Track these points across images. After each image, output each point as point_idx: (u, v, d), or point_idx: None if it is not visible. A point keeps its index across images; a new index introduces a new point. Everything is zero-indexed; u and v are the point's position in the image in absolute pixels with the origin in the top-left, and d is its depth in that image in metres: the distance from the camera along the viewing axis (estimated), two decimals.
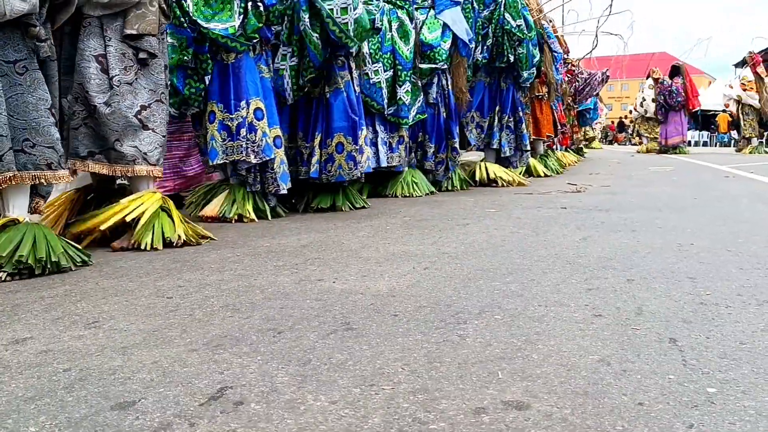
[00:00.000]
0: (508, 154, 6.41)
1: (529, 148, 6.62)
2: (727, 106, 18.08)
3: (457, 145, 5.65)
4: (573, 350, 1.35)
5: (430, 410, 1.06)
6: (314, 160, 4.12)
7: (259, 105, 3.65)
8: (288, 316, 1.65)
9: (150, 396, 1.14)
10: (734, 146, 17.59)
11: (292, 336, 1.48)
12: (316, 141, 4.14)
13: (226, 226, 3.46)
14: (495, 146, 6.31)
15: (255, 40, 3.66)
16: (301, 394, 1.14)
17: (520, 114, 6.43)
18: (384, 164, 4.90)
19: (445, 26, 5.33)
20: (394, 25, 4.94)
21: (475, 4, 5.89)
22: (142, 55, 2.79)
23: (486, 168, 6.18)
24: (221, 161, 3.63)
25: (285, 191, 3.81)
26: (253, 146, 3.60)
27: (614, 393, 1.12)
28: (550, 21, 9.07)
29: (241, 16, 3.53)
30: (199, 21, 3.41)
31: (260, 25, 3.61)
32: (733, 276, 2.05)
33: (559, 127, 9.12)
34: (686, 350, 1.34)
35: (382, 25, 4.55)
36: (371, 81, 4.80)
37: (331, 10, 3.89)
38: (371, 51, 4.77)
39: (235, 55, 3.59)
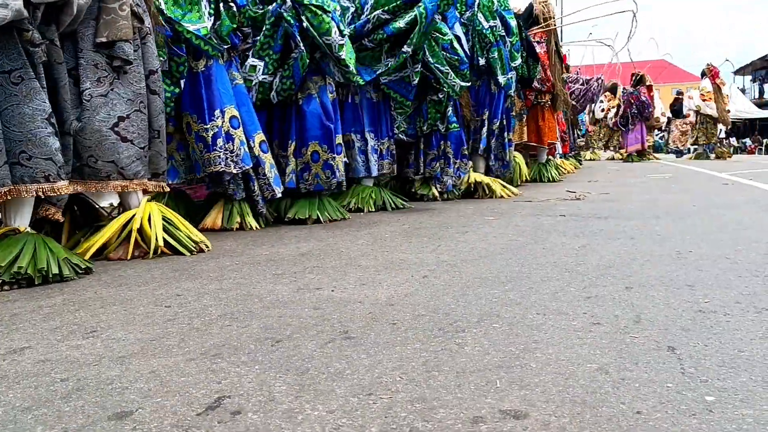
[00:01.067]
0: (493, 162, 6.22)
1: (509, 158, 6.38)
2: (687, 115, 19.09)
3: (467, 152, 5.61)
4: (571, 358, 1.35)
5: (428, 419, 1.06)
6: (289, 169, 4.02)
7: (234, 113, 3.54)
8: (286, 325, 1.65)
9: (147, 406, 1.14)
10: (688, 153, 18.69)
11: (290, 345, 1.48)
12: (290, 150, 4.04)
13: (224, 235, 3.46)
14: (481, 152, 6.09)
15: (227, 46, 3.55)
16: (299, 403, 1.14)
17: (504, 121, 6.27)
18: (374, 172, 4.74)
19: (457, 39, 5.18)
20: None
21: (457, 9, 5.71)
22: (116, 63, 2.67)
23: (477, 179, 5.91)
24: (204, 173, 3.53)
25: (280, 195, 3.77)
26: (232, 156, 3.49)
27: (612, 402, 1.12)
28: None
29: (212, 18, 3.40)
30: (174, 19, 3.27)
31: (234, 26, 3.52)
32: (732, 284, 2.05)
33: (559, 135, 9.13)
34: (684, 358, 1.34)
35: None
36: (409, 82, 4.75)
37: (335, 48, 3.87)
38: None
39: (204, 63, 3.45)
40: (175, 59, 3.31)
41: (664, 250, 2.69)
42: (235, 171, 3.49)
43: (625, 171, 10.92)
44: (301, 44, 3.84)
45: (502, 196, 5.78)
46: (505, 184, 6.06)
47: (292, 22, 3.82)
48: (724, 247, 2.74)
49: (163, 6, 3.21)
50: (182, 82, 3.38)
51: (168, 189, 3.06)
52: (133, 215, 2.84)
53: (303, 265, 2.52)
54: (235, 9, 3.52)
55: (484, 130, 6.05)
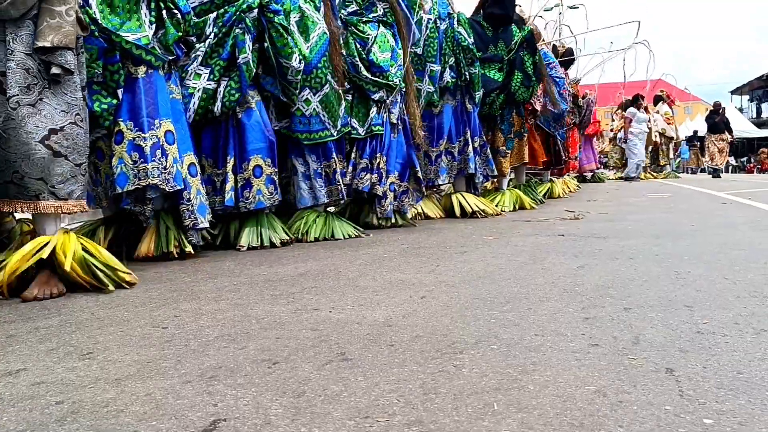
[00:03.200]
0: (481, 180, 5.99)
1: (496, 172, 6.17)
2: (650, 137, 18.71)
3: (420, 176, 4.97)
4: (569, 381, 1.35)
5: None
6: (228, 186, 3.69)
7: (170, 127, 3.22)
8: (283, 347, 1.64)
9: (142, 429, 1.13)
10: (651, 171, 18.38)
11: (287, 367, 1.47)
12: (229, 165, 3.71)
13: (222, 254, 3.46)
14: (471, 171, 5.73)
15: (172, 56, 3.29)
16: (295, 426, 1.13)
17: (483, 138, 6.08)
18: (323, 200, 4.22)
19: (394, 47, 4.70)
20: (294, 17, 3.97)
21: (438, 23, 5.50)
22: (55, 70, 2.40)
23: (463, 198, 5.73)
24: (133, 186, 3.07)
25: (205, 225, 3.36)
26: (165, 173, 3.13)
27: (610, 425, 1.11)
28: (551, 42, 9.10)
29: (153, 26, 3.15)
30: (110, 29, 2.98)
31: (180, 34, 3.27)
32: (730, 304, 2.04)
33: (563, 156, 9.06)
34: (683, 380, 1.34)
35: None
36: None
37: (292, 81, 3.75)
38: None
39: (145, 69, 3.14)
40: (110, 68, 3.03)
41: (662, 271, 2.69)
42: (168, 189, 3.13)
43: (623, 190, 10.94)
44: (250, 51, 3.65)
45: (481, 214, 5.60)
46: (486, 201, 5.92)
47: (251, 28, 3.63)
48: (722, 267, 2.74)
49: (97, 15, 2.95)
50: (119, 92, 3.08)
51: (87, 209, 2.72)
52: (46, 243, 2.45)
53: (301, 285, 2.52)
54: (179, 16, 3.25)
55: (469, 149, 5.71)
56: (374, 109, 4.53)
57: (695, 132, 25.89)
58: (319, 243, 3.97)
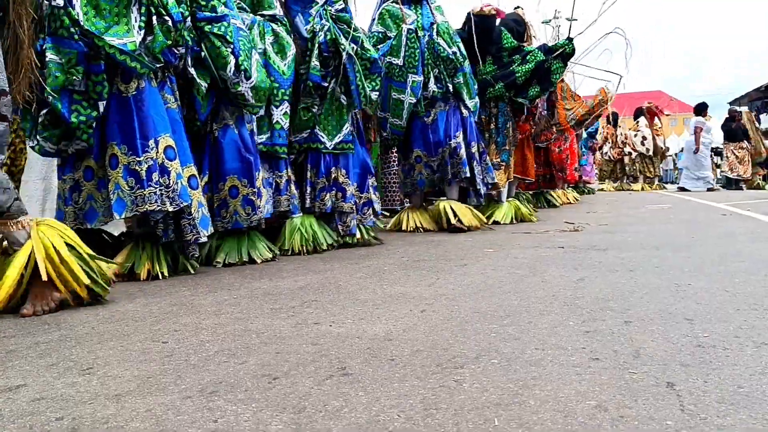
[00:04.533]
0: (481, 187, 5.68)
1: (495, 180, 5.93)
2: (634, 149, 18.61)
3: (375, 183, 4.83)
4: (570, 395, 1.34)
5: None
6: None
7: (169, 142, 3.10)
8: (284, 361, 1.64)
9: None
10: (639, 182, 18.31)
11: (287, 382, 1.47)
12: (201, 184, 3.52)
13: (221, 269, 3.46)
14: (465, 174, 5.47)
15: (160, 64, 3.13)
16: None
17: (483, 145, 5.87)
18: (269, 213, 4.04)
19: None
20: (268, 39, 4.06)
21: (419, 33, 5.40)
22: None
23: (452, 209, 5.48)
24: (131, 213, 3.00)
25: (206, 239, 3.30)
26: (168, 191, 3.05)
27: None
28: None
29: (142, 32, 3.00)
30: (92, 32, 2.84)
31: (169, 42, 3.10)
32: (731, 317, 2.04)
33: (556, 166, 9.07)
34: (684, 395, 1.33)
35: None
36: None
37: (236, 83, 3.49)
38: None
39: (135, 86, 3.02)
40: (93, 77, 2.88)
41: (662, 283, 2.69)
42: (171, 209, 3.05)
43: (622, 201, 10.95)
44: (194, 73, 3.39)
45: (469, 227, 5.41)
46: (476, 212, 5.65)
47: (190, 44, 3.35)
48: (722, 280, 2.74)
49: (80, 17, 2.81)
50: (101, 104, 2.93)
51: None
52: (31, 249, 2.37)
53: (301, 298, 2.52)
54: (170, 24, 3.09)
55: (463, 152, 5.50)
56: (348, 123, 4.42)
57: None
58: (319, 255, 3.96)
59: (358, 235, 4.47)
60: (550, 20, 9.89)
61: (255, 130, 3.86)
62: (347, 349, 1.75)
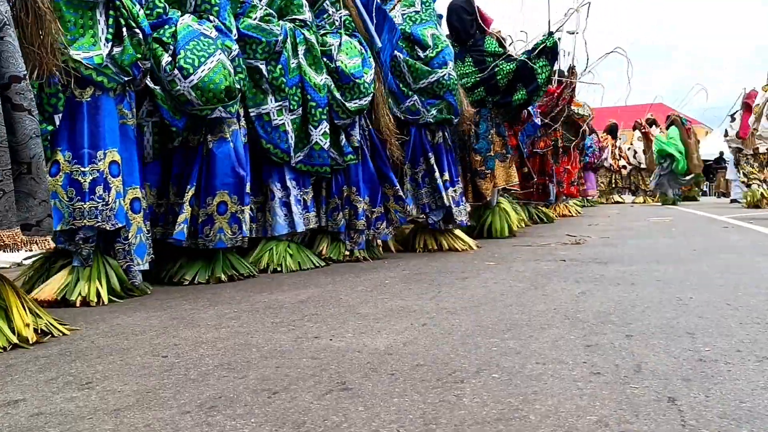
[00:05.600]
0: (455, 212, 4.97)
1: (446, 203, 4.89)
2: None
3: (401, 194, 4.58)
4: (571, 410, 1.34)
5: None
6: (181, 218, 3.34)
7: (115, 158, 2.89)
8: (284, 376, 1.63)
9: None
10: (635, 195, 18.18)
11: (287, 397, 1.46)
12: (187, 196, 3.37)
13: (221, 284, 3.46)
14: (447, 204, 4.93)
15: (128, 77, 2.94)
16: None
17: (431, 162, 4.92)
18: (301, 228, 3.98)
19: (364, 53, 4.35)
20: (300, 49, 3.94)
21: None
22: None
23: (428, 235, 5.08)
24: (67, 226, 2.75)
25: (143, 267, 3.07)
26: (106, 209, 2.82)
27: None
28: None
29: (110, 44, 2.83)
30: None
31: (139, 56, 2.94)
32: (733, 331, 2.04)
33: (553, 177, 8.87)
34: (685, 410, 1.33)
35: (283, 48, 3.84)
36: (273, 123, 3.87)
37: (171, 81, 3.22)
38: (273, 85, 3.86)
39: (91, 92, 2.82)
40: (47, 90, 2.68)
41: (664, 296, 2.68)
42: (108, 227, 2.83)
43: (624, 214, 10.94)
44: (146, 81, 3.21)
45: (450, 249, 4.95)
46: (460, 235, 5.12)
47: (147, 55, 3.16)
48: (724, 293, 2.73)
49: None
50: (57, 117, 2.74)
51: (52, 245, 2.42)
52: None
53: (302, 312, 2.51)
54: (141, 36, 2.94)
55: (436, 176, 4.98)
56: (343, 136, 4.25)
57: (721, 153, 25.38)
58: (321, 268, 3.96)
59: (362, 254, 4.36)
60: (551, 33, 9.83)
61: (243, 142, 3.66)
62: (347, 363, 1.75)
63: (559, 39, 6.04)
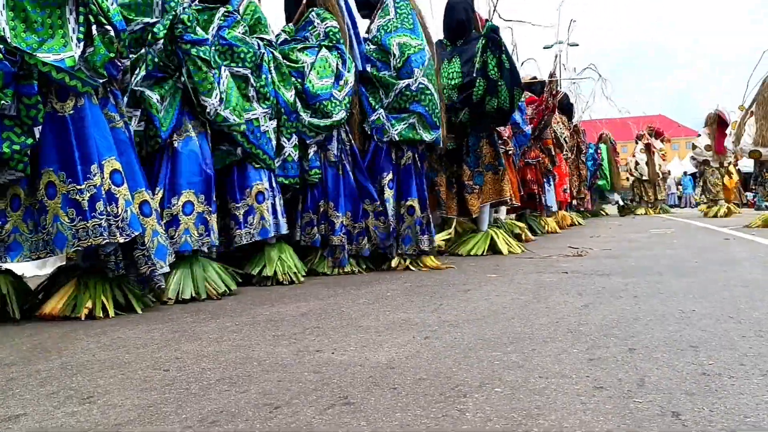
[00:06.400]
0: (419, 240, 4.59)
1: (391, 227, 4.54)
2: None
3: (382, 209, 4.48)
4: (574, 425, 1.33)
5: None
6: None
7: (115, 166, 2.76)
8: (285, 390, 1.63)
9: None
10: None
11: (288, 411, 1.46)
12: (156, 199, 3.22)
13: (224, 297, 3.45)
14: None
15: (103, 79, 2.75)
16: None
17: (383, 182, 4.59)
18: (284, 230, 3.96)
19: (340, 70, 4.31)
20: (271, 66, 4.01)
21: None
22: None
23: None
24: (74, 248, 2.69)
25: (166, 269, 2.97)
26: (117, 221, 2.71)
27: None
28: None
29: (82, 44, 2.64)
30: (23, 49, 2.53)
31: (112, 55, 2.73)
32: (736, 344, 2.03)
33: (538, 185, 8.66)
34: (689, 425, 1.32)
35: (263, 61, 3.89)
36: (261, 128, 3.85)
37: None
38: (259, 92, 3.89)
39: (73, 104, 2.67)
40: (25, 100, 2.55)
41: (667, 309, 2.67)
42: (121, 240, 2.72)
43: (626, 226, 10.94)
44: (144, 89, 3.21)
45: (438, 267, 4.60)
46: (427, 261, 4.65)
47: (150, 67, 3.24)
48: (727, 306, 2.72)
49: (7, 33, 2.49)
50: (37, 130, 2.60)
51: None
52: None
53: (303, 325, 2.51)
54: (112, 33, 2.72)
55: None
56: (311, 150, 4.23)
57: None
58: (321, 281, 3.95)
59: (348, 268, 4.31)
60: (552, 45, 9.89)
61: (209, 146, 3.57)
62: (349, 377, 1.74)
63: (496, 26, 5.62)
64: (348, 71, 4.34)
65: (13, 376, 1.85)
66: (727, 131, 10.51)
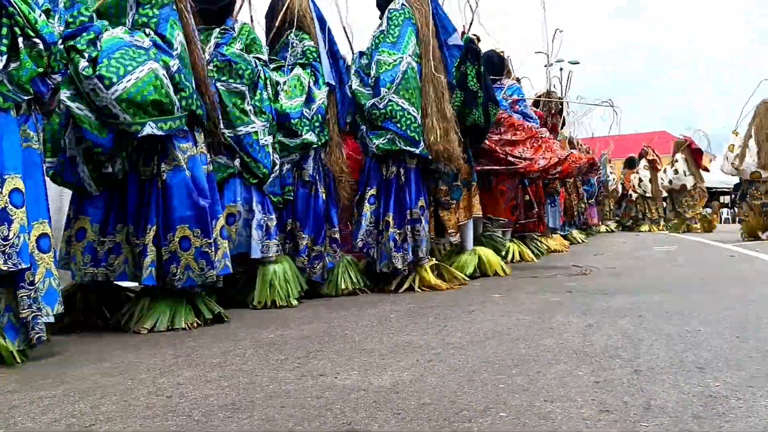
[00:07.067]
0: (392, 256, 4.44)
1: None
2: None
3: (338, 236, 4.34)
4: None
5: None
6: (147, 261, 3.07)
7: (17, 185, 2.42)
8: (288, 416, 1.62)
9: None
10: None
11: None
12: (149, 236, 3.08)
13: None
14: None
15: (28, 96, 2.49)
16: None
17: (365, 195, 4.58)
18: (257, 255, 3.82)
19: (311, 88, 4.25)
20: (267, 84, 4.00)
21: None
22: None
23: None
24: None
25: (50, 318, 2.49)
26: (5, 246, 2.32)
27: None
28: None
29: (4, 57, 2.41)
30: None
31: (39, 70, 2.49)
32: (743, 365, 2.01)
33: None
34: None
35: (259, 79, 3.88)
36: (260, 142, 3.83)
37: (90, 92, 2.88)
38: (256, 107, 3.86)
39: None
40: None
41: (672, 329, 2.65)
42: (4, 268, 2.30)
43: (630, 243, 10.91)
44: (65, 99, 2.88)
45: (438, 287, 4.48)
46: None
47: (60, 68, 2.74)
48: (732, 325, 2.70)
49: None
50: None
51: None
52: None
53: (307, 349, 2.49)
54: (41, 47, 2.47)
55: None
56: (285, 168, 4.16)
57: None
58: (323, 302, 3.94)
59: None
60: (552, 63, 9.88)
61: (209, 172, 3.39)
62: (353, 402, 1.73)
63: (474, 36, 5.55)
64: (320, 89, 4.27)
65: (15, 403, 1.84)
66: (724, 153, 10.88)
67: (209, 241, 3.18)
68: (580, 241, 10.90)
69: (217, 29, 3.88)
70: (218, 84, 3.75)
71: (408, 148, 4.46)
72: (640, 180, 17.56)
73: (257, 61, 3.97)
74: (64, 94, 2.84)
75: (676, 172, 15.46)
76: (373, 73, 4.53)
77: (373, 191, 4.54)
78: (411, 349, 2.42)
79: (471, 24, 6.12)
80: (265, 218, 3.92)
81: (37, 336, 2.41)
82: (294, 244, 4.17)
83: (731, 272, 5.12)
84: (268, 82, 4.02)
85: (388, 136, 4.45)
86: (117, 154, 3.08)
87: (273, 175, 3.99)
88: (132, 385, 2.00)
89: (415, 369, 2.09)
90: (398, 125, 4.43)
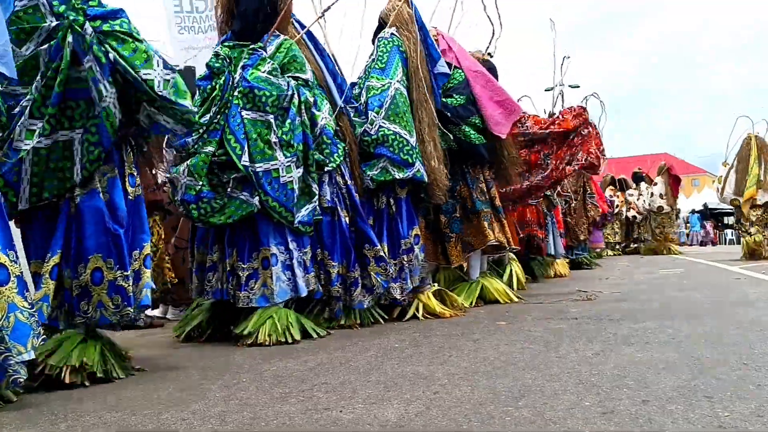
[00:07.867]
0: (390, 288, 4.25)
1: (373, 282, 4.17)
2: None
3: (384, 254, 4.15)
4: None
5: None
6: (38, 295, 2.62)
7: None
8: None
9: None
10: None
11: None
12: (47, 267, 2.64)
13: (230, 349, 3.42)
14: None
15: None
16: None
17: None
18: (304, 293, 3.69)
19: (312, 114, 3.97)
20: (302, 108, 3.79)
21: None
22: None
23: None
24: None
25: (26, 356, 2.20)
26: None
27: None
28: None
29: None
30: None
31: None
32: (752, 393, 1.99)
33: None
34: None
35: (291, 104, 3.71)
36: (281, 180, 3.64)
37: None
38: (282, 140, 3.68)
39: None
40: None
41: (679, 357, 2.63)
42: None
43: (635, 266, 10.86)
44: (112, 93, 2.66)
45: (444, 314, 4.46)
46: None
47: (103, 60, 2.63)
48: (741, 351, 2.68)
49: None
50: None
51: None
52: None
53: (311, 381, 2.48)
54: None
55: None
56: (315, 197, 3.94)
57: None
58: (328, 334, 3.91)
59: (342, 321, 4.04)
60: (553, 87, 9.92)
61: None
62: None
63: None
64: (319, 110, 4.04)
65: None
66: (714, 184, 11.99)
67: (125, 273, 2.72)
68: (588, 264, 10.81)
69: (246, 48, 3.74)
70: (243, 113, 3.61)
71: (400, 175, 4.34)
72: (652, 194, 17.40)
73: (293, 81, 3.78)
74: (110, 96, 2.63)
75: (651, 194, 16.26)
76: (362, 99, 4.50)
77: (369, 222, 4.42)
78: (416, 380, 2.40)
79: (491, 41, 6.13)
80: (301, 254, 3.78)
81: (12, 378, 2.16)
82: (326, 274, 3.98)
83: (737, 296, 5.09)
84: (303, 106, 3.80)
85: (380, 165, 4.33)
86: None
87: (311, 205, 3.80)
88: (136, 422, 1.99)
89: (421, 401, 2.08)
90: (391, 149, 4.32)
